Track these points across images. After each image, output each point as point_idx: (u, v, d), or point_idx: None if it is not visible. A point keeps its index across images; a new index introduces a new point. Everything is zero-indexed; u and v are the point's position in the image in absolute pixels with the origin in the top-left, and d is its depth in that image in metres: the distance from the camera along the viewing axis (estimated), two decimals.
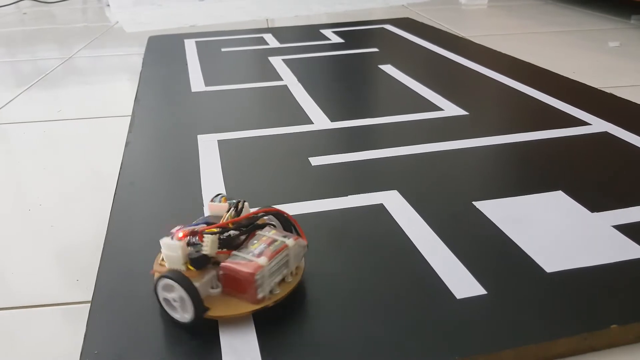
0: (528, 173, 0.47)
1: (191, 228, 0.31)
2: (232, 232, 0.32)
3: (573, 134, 0.55)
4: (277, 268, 0.31)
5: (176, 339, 0.29)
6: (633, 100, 0.64)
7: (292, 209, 0.42)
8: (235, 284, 0.30)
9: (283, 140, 0.55)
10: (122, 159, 0.52)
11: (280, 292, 0.31)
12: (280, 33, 1.09)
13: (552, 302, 0.31)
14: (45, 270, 0.38)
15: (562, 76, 0.74)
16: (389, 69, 0.80)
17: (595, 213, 0.40)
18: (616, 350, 0.29)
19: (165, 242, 0.31)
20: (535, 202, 0.42)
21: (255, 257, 0.30)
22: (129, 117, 0.65)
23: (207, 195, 0.45)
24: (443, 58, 0.85)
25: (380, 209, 0.42)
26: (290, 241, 0.32)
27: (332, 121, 0.60)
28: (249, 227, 0.32)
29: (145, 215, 0.42)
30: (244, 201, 0.34)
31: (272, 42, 1.01)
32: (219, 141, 0.56)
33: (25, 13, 1.57)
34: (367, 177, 0.47)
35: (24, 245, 0.41)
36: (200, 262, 0.30)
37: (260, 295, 0.30)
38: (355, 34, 1.05)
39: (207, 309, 0.30)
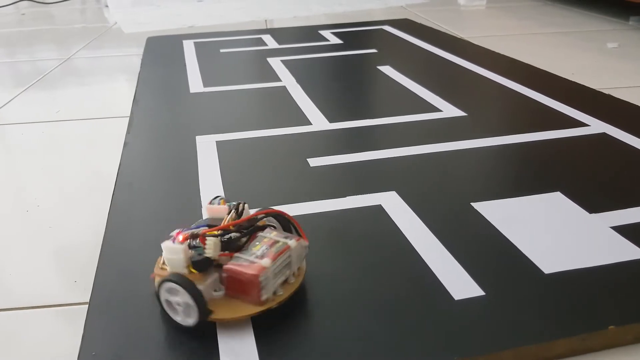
0: (526, 174, 0.47)
1: (192, 231, 0.31)
2: (233, 235, 0.32)
3: (571, 135, 0.55)
4: (280, 269, 0.31)
5: (175, 340, 0.29)
6: (631, 102, 0.64)
7: (290, 210, 0.42)
8: (239, 286, 0.30)
9: (281, 141, 0.55)
10: (121, 160, 0.52)
11: (284, 294, 0.31)
12: (279, 34, 1.09)
13: (551, 303, 0.31)
14: (43, 271, 0.38)
15: (561, 77, 0.74)
16: (387, 70, 0.80)
17: (594, 214, 0.40)
18: (614, 351, 0.29)
19: (166, 245, 0.30)
20: (533, 203, 0.42)
21: (258, 258, 0.30)
22: (128, 118, 0.65)
23: (205, 196, 0.45)
24: (442, 59, 0.85)
25: (378, 210, 0.42)
26: (292, 242, 0.31)
27: (330, 122, 0.60)
28: (250, 229, 0.32)
29: (143, 216, 0.42)
30: (244, 203, 0.34)
31: (270, 43, 1.01)
32: (217, 142, 0.56)
33: (23, 14, 1.56)
34: (366, 178, 0.47)
35: (22, 246, 0.41)
36: (203, 264, 0.30)
37: (264, 297, 0.30)
38: (354, 34, 1.05)
39: (210, 312, 0.29)
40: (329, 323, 0.30)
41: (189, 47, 0.99)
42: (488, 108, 0.63)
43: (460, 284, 0.33)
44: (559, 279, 0.33)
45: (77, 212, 0.45)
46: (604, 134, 0.55)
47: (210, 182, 0.47)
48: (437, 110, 0.63)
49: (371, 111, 0.63)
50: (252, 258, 0.30)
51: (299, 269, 0.33)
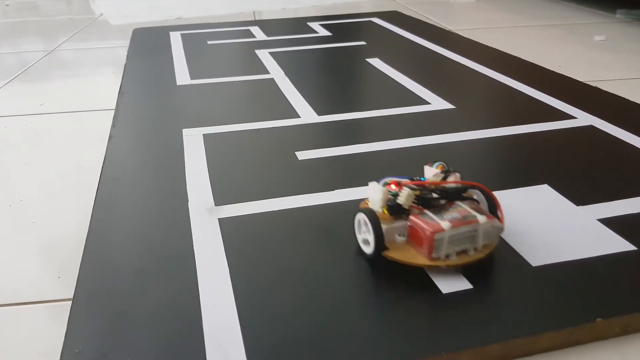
0: (514, 167, 0.47)
1: (401, 180, 0.35)
2: (435, 195, 0.34)
3: (559, 127, 0.55)
4: (460, 238, 0.33)
5: (160, 336, 0.29)
6: (618, 94, 0.64)
7: (278, 203, 0.41)
8: (416, 238, 0.33)
9: (269, 134, 0.55)
10: (106, 154, 0.52)
11: (456, 260, 0.32)
12: (267, 26, 1.08)
13: (538, 295, 0.31)
14: (26, 267, 0.37)
15: (548, 70, 0.74)
16: (376, 62, 0.80)
17: (581, 206, 0.40)
18: (601, 343, 0.29)
19: (372, 184, 0.35)
20: (520, 196, 0.42)
21: (441, 220, 0.32)
22: (113, 111, 0.64)
23: (192, 190, 0.44)
24: (431, 52, 0.85)
25: None
26: (482, 218, 0.33)
27: (319, 115, 0.60)
28: (450, 195, 0.34)
29: (128, 211, 0.41)
30: (455, 172, 0.36)
31: (259, 34, 1.00)
32: (204, 135, 0.55)
33: (7, 5, 1.54)
34: (354, 171, 0.46)
35: (5, 242, 0.40)
36: (393, 209, 0.34)
37: (434, 255, 0.32)
38: (343, 27, 1.05)
39: (385, 248, 0.33)
40: (315, 319, 0.30)
41: (175, 38, 0.98)
42: (476, 101, 0.63)
43: (448, 277, 0.33)
44: (546, 271, 0.33)
45: (61, 207, 0.45)
46: (591, 126, 0.55)
47: (197, 176, 0.46)
48: (425, 102, 0.63)
49: (360, 104, 0.63)
50: (437, 218, 0.33)
51: (485, 246, 0.34)
